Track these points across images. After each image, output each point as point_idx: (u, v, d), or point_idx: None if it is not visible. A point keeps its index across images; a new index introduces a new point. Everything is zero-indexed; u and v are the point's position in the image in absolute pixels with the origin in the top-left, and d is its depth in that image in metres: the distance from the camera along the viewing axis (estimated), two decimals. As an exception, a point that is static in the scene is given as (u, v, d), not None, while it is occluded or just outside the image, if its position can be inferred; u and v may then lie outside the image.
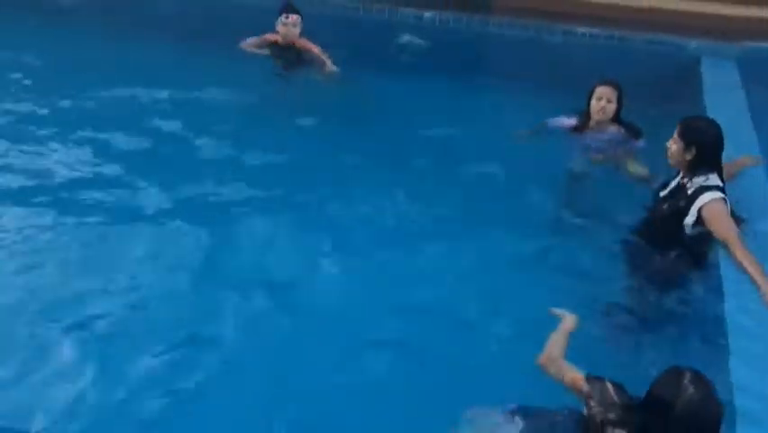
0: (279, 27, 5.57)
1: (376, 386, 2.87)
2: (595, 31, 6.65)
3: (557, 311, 2.77)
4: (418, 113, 5.44)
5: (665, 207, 3.37)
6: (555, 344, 2.60)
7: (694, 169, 3.28)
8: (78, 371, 2.84)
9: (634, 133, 4.22)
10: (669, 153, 3.37)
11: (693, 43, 6.40)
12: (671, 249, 3.35)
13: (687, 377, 2.00)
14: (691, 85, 5.66)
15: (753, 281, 2.95)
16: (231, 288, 3.38)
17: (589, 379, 2.34)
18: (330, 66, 5.61)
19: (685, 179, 3.33)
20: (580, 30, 6.66)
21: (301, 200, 4.21)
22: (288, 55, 5.63)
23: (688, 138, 3.28)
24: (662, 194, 3.47)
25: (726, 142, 3.35)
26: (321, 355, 3.02)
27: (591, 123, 4.26)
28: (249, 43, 5.70)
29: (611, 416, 2.18)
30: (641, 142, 4.24)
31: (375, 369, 2.95)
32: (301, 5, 5.73)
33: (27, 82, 5.57)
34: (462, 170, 4.56)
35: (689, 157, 3.28)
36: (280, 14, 5.56)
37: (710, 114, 4.79)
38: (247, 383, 2.87)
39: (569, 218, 4.02)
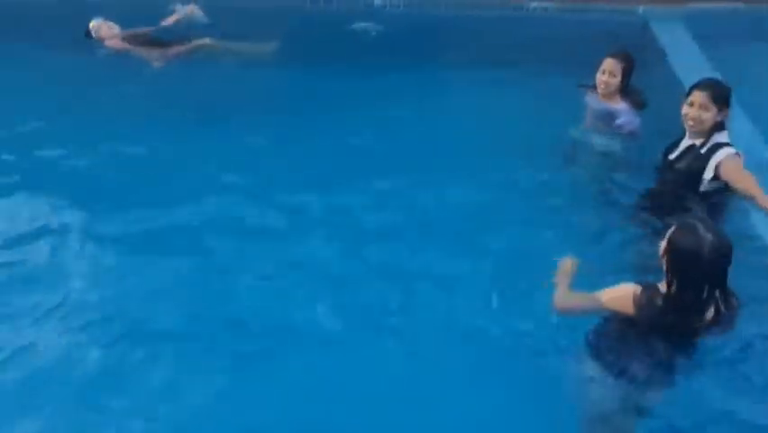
0: None
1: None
2: (547, 4, 6.71)
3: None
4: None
5: (680, 166, 3.38)
6: (560, 285, 2.64)
7: (714, 129, 3.29)
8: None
9: (636, 104, 4.11)
10: (695, 120, 3.27)
11: (640, 9, 6.55)
12: (686, 208, 3.35)
13: (700, 227, 2.26)
14: (648, 49, 5.79)
15: None
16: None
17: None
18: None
19: (698, 140, 3.35)
20: (533, 4, 6.71)
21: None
22: None
23: (720, 101, 3.26)
24: (671, 156, 3.48)
25: None
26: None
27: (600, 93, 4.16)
28: None
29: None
30: (635, 118, 4.10)
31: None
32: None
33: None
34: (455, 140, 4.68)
35: (719, 119, 3.28)
36: None
37: (680, 74, 4.95)
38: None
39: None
